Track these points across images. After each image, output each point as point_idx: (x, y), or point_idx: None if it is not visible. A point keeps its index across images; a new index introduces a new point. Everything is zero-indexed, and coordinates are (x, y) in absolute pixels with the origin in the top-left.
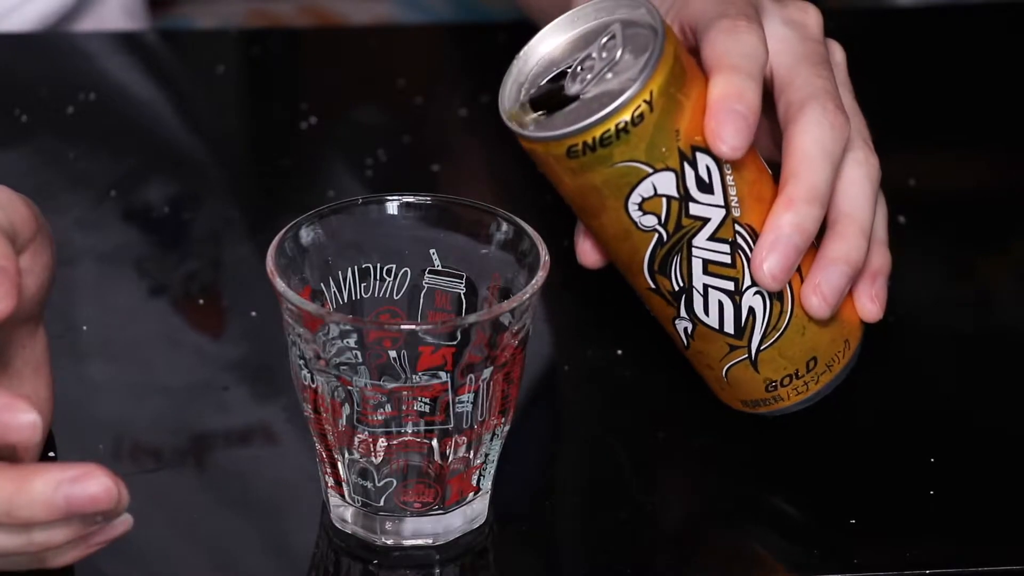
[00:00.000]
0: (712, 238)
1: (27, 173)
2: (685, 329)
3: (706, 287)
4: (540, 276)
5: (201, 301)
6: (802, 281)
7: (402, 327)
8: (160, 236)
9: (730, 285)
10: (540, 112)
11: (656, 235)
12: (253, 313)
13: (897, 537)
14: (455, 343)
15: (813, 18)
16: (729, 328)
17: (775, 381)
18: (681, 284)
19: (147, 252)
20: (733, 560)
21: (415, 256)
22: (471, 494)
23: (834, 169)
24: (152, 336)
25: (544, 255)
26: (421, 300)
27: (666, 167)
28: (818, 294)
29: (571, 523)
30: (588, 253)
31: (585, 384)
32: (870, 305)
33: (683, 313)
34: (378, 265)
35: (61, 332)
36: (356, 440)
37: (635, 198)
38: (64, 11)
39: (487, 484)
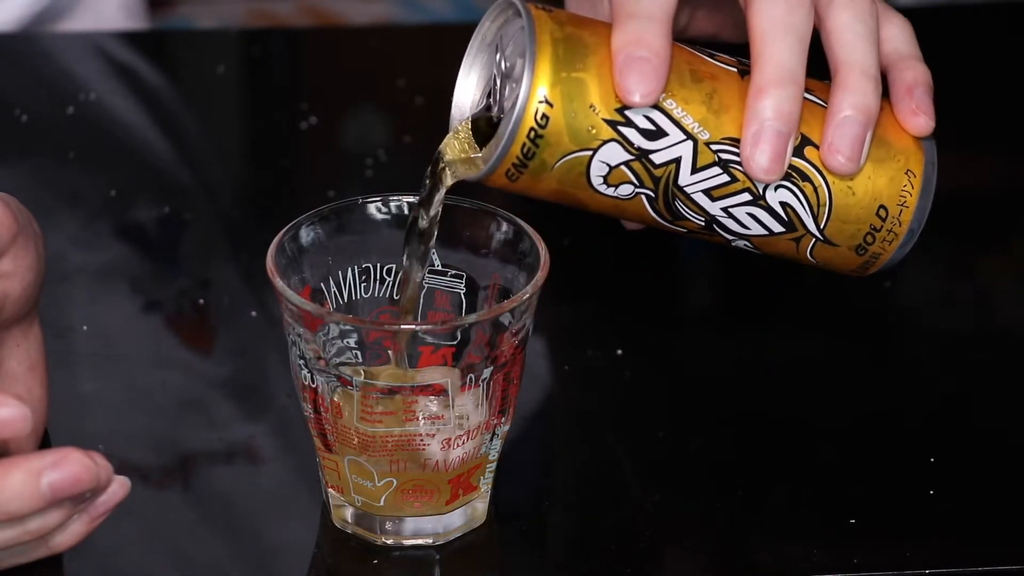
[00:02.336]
0: (695, 170)
1: (27, 174)
2: (746, 245)
3: (725, 210)
4: (540, 276)
5: (201, 301)
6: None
7: (402, 327)
8: (160, 236)
9: (746, 196)
10: (478, 150)
11: (643, 196)
12: (253, 313)
13: (897, 537)
14: (455, 343)
15: None
16: (778, 228)
17: (859, 244)
18: (703, 218)
19: (147, 252)
20: (733, 560)
21: None
22: (471, 494)
23: (800, 41)
24: (152, 335)
25: (544, 255)
26: (421, 300)
27: (602, 142)
28: (836, 153)
29: (571, 523)
30: (627, 222)
31: (585, 384)
32: (914, 119)
33: (729, 236)
34: (378, 265)
35: (60, 333)
36: (356, 440)
37: (596, 181)
38: (47, 4)
39: (487, 484)
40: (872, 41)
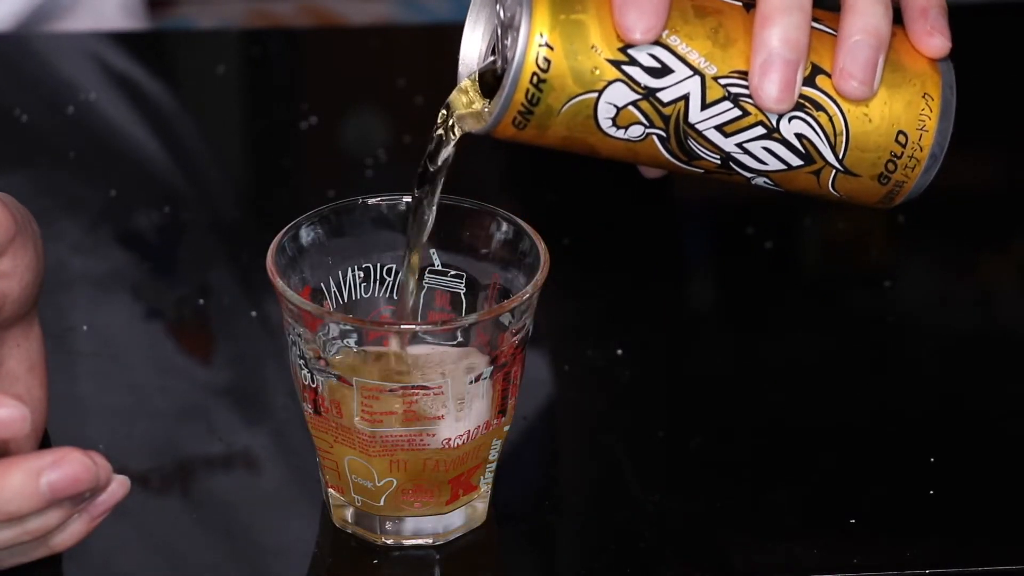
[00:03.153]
0: (705, 106)
1: (27, 174)
2: (766, 183)
3: (739, 145)
4: (540, 276)
5: (201, 301)
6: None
7: (402, 327)
8: (160, 236)
9: (760, 130)
10: (485, 102)
11: (655, 136)
12: (253, 313)
13: (897, 537)
14: (455, 343)
15: None
16: (796, 162)
17: (881, 173)
18: (718, 156)
19: (147, 253)
20: (733, 560)
21: None
22: (471, 494)
23: None
24: (152, 334)
25: (544, 255)
26: (421, 300)
27: (607, 83)
28: (849, 78)
29: (571, 523)
30: (645, 169)
31: (585, 384)
32: (929, 40)
33: (748, 174)
34: (378, 265)
35: (61, 333)
36: (356, 440)
37: (605, 123)
38: (45, 2)
39: (487, 484)
40: None
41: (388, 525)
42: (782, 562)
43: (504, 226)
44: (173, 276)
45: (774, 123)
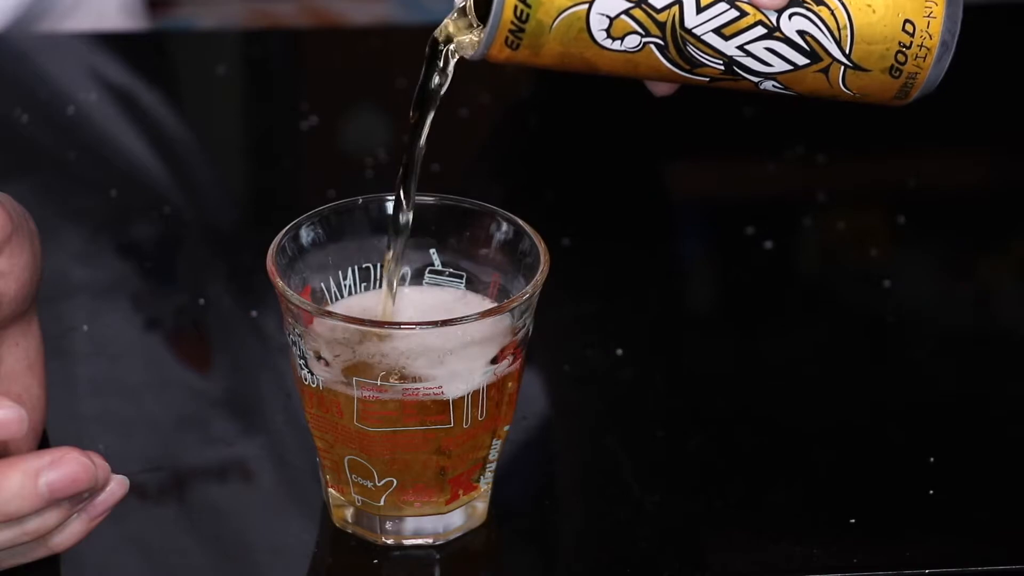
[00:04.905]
0: (700, 9)
1: (28, 174)
2: (775, 87)
3: (741, 48)
4: (540, 276)
5: (202, 301)
6: None
7: (402, 327)
8: (160, 237)
9: (760, 30)
10: (480, 28)
11: (652, 46)
12: (254, 313)
13: (897, 537)
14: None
15: None
16: (802, 60)
17: (892, 66)
18: (721, 62)
19: (147, 253)
20: (733, 560)
21: (415, 256)
22: (471, 494)
23: None
24: (150, 337)
25: (544, 255)
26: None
27: None
28: None
29: (571, 523)
30: (653, 85)
31: (585, 384)
32: None
33: (755, 78)
34: (378, 265)
35: (60, 333)
36: (356, 440)
37: (599, 35)
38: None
39: (487, 484)
40: None
41: (388, 525)
42: (782, 562)
43: (504, 226)
44: (173, 276)
45: (774, 21)
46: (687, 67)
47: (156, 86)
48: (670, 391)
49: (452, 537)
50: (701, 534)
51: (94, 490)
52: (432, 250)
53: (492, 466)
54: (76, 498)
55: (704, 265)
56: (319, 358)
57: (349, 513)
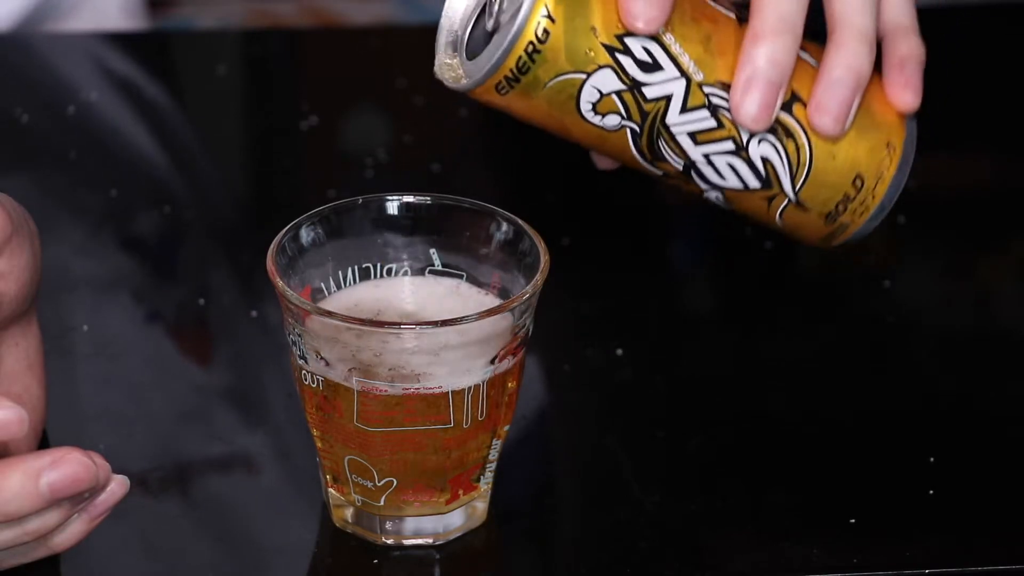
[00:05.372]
0: (684, 110)
1: (28, 174)
2: (718, 198)
3: (706, 156)
4: (540, 276)
5: (202, 301)
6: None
7: (402, 327)
8: (160, 237)
9: (729, 145)
10: (469, 59)
11: (628, 130)
12: (254, 313)
13: (897, 537)
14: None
15: None
16: (753, 184)
17: (831, 212)
18: (682, 162)
19: (147, 253)
20: (733, 560)
21: (415, 256)
22: (471, 494)
23: None
24: (151, 337)
25: (544, 255)
26: None
27: (598, 67)
28: (823, 112)
29: (571, 523)
30: (600, 159)
31: (585, 384)
32: (903, 93)
33: (704, 185)
34: (378, 265)
35: (62, 333)
36: (356, 440)
37: (585, 107)
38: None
39: (487, 484)
40: (872, 4)
41: (388, 525)
42: (782, 562)
43: (504, 226)
44: (173, 276)
45: (744, 141)
46: (650, 157)
47: (156, 86)
48: (670, 391)
49: (452, 537)
50: (701, 534)
51: (95, 490)
52: (432, 250)
53: (492, 466)
54: (77, 498)
55: (704, 265)
56: (319, 358)
57: (349, 513)
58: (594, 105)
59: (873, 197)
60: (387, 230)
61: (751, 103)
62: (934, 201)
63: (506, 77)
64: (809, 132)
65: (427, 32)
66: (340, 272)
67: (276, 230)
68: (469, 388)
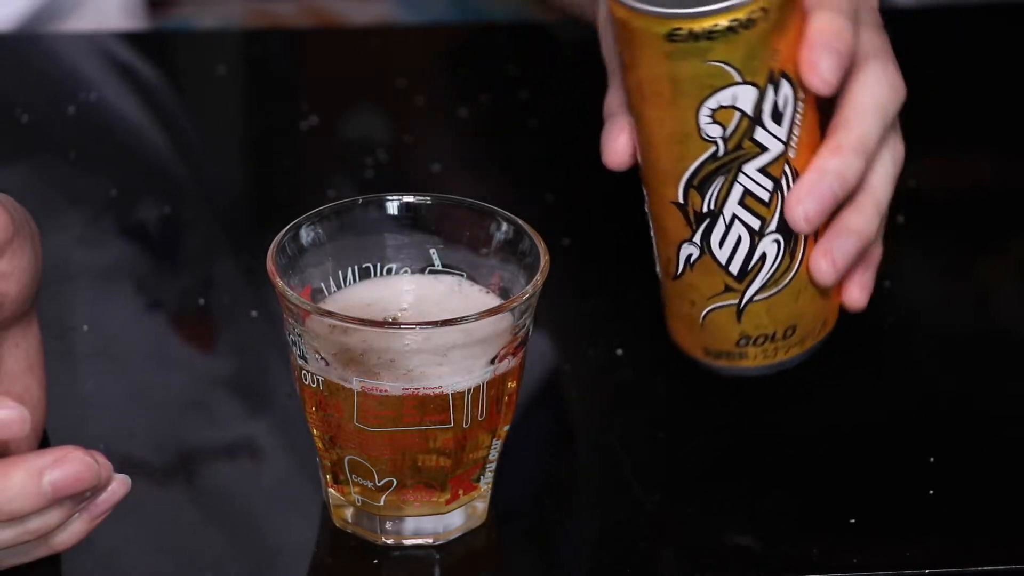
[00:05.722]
0: (762, 170)
1: (29, 174)
2: (688, 256)
3: (734, 217)
4: (540, 276)
5: (202, 301)
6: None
7: (402, 327)
8: (161, 236)
9: (756, 223)
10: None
11: (713, 147)
12: (254, 313)
13: (897, 537)
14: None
15: None
16: (735, 267)
17: (750, 337)
18: (711, 207)
19: (148, 253)
20: (733, 560)
21: (415, 256)
22: (471, 494)
23: (885, 129)
24: (154, 334)
25: (544, 255)
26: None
27: (753, 82)
28: (829, 258)
29: (571, 523)
30: (619, 152)
31: (585, 384)
32: (858, 293)
33: (696, 238)
34: (378, 265)
35: (61, 333)
36: (356, 440)
37: (712, 103)
38: (47, 3)
39: (487, 484)
40: (894, 184)
41: (388, 525)
42: (782, 562)
43: (504, 226)
44: (174, 276)
45: (768, 229)
46: (694, 183)
47: (156, 86)
48: (670, 391)
49: (452, 537)
50: (701, 534)
51: (97, 489)
52: (432, 250)
53: (492, 466)
54: (78, 497)
55: None
56: (319, 358)
57: (349, 513)
58: (715, 109)
59: (786, 352)
60: (387, 230)
61: (810, 204)
62: (934, 201)
63: (691, 30)
64: (803, 263)
65: (427, 32)
66: (340, 272)
67: (276, 230)
68: (469, 388)
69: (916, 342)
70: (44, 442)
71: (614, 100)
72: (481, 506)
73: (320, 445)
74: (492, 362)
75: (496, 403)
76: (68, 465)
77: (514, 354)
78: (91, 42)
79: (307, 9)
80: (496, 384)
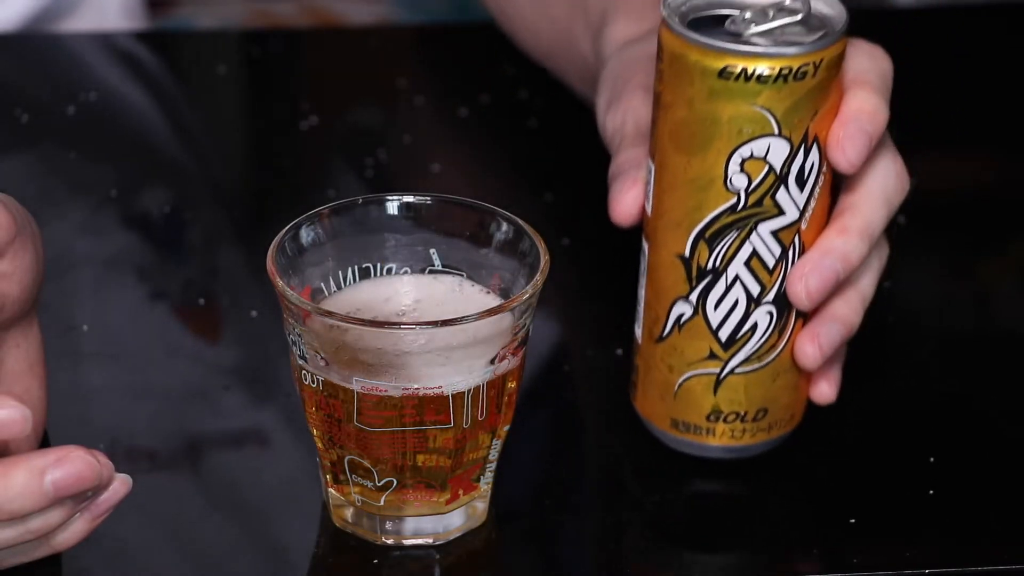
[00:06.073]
0: (774, 233)
1: (29, 174)
2: (680, 316)
3: (736, 278)
4: (540, 276)
5: (202, 301)
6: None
7: (402, 327)
8: (161, 236)
9: (756, 288)
10: (700, 27)
11: (734, 199)
12: (254, 313)
13: (896, 537)
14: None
15: (890, 64)
16: (724, 333)
17: (721, 413)
18: (717, 264)
19: (148, 252)
20: (733, 560)
21: (415, 256)
22: (471, 494)
23: (888, 219)
24: (155, 334)
25: (544, 255)
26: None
27: (788, 137)
28: (816, 343)
29: (571, 523)
30: (629, 205)
31: (585, 384)
32: (826, 387)
33: (693, 296)
34: (378, 265)
35: (61, 332)
36: (356, 439)
37: (745, 151)
38: (48, 4)
39: (487, 484)
40: (877, 283)
41: (388, 525)
42: (782, 562)
43: (504, 226)
44: (173, 276)
45: (766, 298)
46: (706, 235)
47: (156, 86)
48: None
49: (452, 537)
50: (701, 534)
51: (98, 488)
52: (432, 250)
53: (492, 466)
54: (79, 497)
55: None
56: (319, 358)
57: (349, 513)
58: (750, 156)
59: (752, 436)
60: (387, 230)
61: (812, 280)
62: (934, 201)
63: (744, 69)
64: (788, 345)
65: (427, 32)
66: (340, 272)
67: (276, 230)
68: (469, 388)
69: (916, 342)
70: (46, 438)
71: (618, 160)
72: (481, 506)
73: (320, 445)
74: (492, 362)
75: (496, 403)
76: (70, 464)
77: (514, 354)
78: (91, 42)
79: (307, 9)
80: (496, 384)
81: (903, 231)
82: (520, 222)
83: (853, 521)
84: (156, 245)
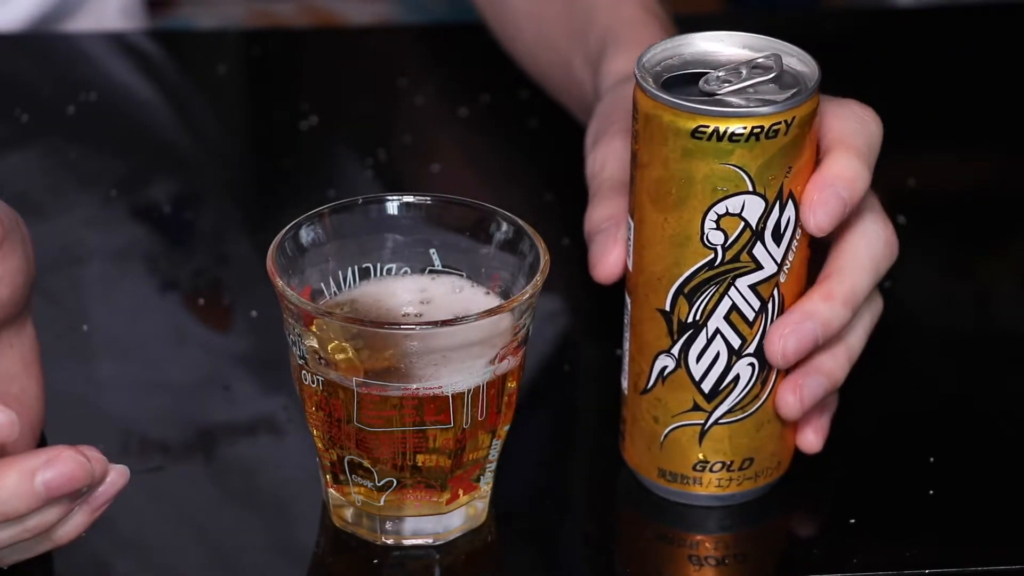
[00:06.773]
0: (753, 287)
1: (28, 174)
2: (663, 369)
3: (716, 332)
4: (540, 276)
5: (202, 301)
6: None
7: (402, 327)
8: (161, 236)
9: (736, 341)
10: (674, 88)
11: (711, 255)
12: (254, 313)
13: (897, 537)
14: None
15: (879, 127)
16: (707, 385)
17: (708, 463)
18: (697, 318)
19: (149, 252)
20: (734, 560)
21: (415, 256)
22: (471, 494)
23: (874, 286)
24: (155, 334)
25: (544, 255)
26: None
27: (763, 194)
28: (797, 395)
29: (571, 523)
30: (611, 265)
31: (585, 384)
32: (813, 437)
33: (675, 350)
34: (378, 265)
35: (65, 330)
36: (356, 439)
37: (720, 208)
38: (50, 6)
39: (487, 484)
40: (866, 339)
41: (388, 525)
42: (782, 562)
43: (504, 226)
44: (173, 276)
45: (743, 352)
46: (684, 291)
47: (156, 86)
48: None
49: (452, 537)
50: (701, 534)
51: (92, 485)
52: (432, 250)
53: (492, 466)
54: (75, 494)
55: None
56: (319, 358)
57: (349, 513)
58: (726, 213)
59: (739, 484)
60: (387, 230)
61: (790, 342)
62: (934, 201)
63: (716, 128)
64: (771, 395)
65: (427, 32)
66: (340, 272)
67: (276, 230)
68: (469, 388)
69: (916, 342)
70: (45, 436)
71: (596, 215)
72: (481, 506)
73: (320, 445)
74: (492, 362)
75: (496, 403)
76: (60, 465)
77: (514, 354)
78: (91, 42)
79: (307, 9)
80: (496, 384)
81: (903, 231)
82: (520, 222)
83: (853, 521)
84: (156, 245)
